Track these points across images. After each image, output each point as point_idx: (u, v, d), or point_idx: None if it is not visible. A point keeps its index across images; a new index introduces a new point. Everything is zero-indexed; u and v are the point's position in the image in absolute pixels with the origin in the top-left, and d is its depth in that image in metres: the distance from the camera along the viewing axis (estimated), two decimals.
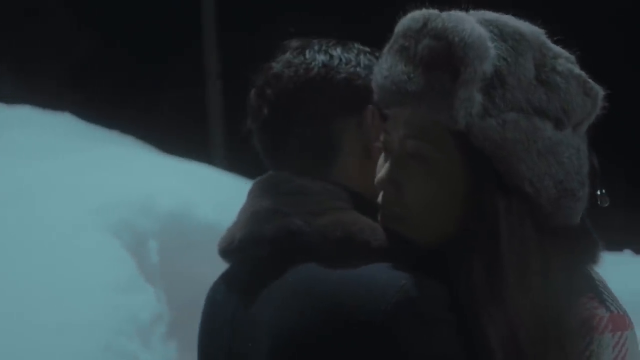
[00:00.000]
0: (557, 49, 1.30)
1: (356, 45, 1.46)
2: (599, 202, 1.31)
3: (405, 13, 1.31)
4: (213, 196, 4.65)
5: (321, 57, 1.42)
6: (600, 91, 1.29)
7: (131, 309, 3.66)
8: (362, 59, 1.43)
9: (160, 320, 3.85)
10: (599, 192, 1.31)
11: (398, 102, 1.28)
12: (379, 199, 1.31)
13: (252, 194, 1.39)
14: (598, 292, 1.28)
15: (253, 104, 1.44)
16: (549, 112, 1.24)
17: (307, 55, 1.42)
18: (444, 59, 1.23)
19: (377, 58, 1.42)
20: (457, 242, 1.25)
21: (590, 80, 1.29)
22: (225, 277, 1.43)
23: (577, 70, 1.29)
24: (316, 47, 1.44)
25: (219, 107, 9.04)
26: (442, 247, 1.27)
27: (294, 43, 1.46)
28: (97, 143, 5.17)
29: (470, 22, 1.24)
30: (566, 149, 1.26)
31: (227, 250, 1.38)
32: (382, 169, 1.32)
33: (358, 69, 1.41)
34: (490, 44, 1.24)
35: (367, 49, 1.46)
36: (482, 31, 1.24)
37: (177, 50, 9.14)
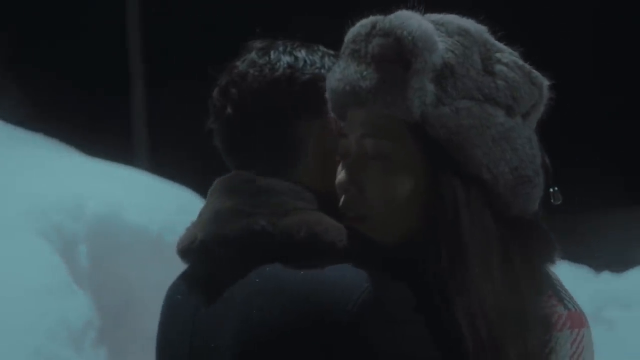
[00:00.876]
0: (500, 44, 1.34)
1: (321, 47, 1.47)
2: (552, 200, 1.35)
3: (353, 24, 1.36)
4: (142, 199, 4.60)
5: (286, 58, 1.42)
6: (545, 81, 1.34)
7: (62, 313, 3.60)
8: (327, 61, 1.44)
9: (91, 325, 3.79)
10: (551, 190, 1.35)
11: (353, 103, 1.30)
12: (340, 201, 1.32)
13: (214, 193, 1.38)
14: (556, 290, 1.31)
15: (216, 103, 1.44)
16: (500, 100, 1.29)
17: (272, 56, 1.43)
18: (394, 53, 1.27)
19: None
20: (421, 235, 1.27)
21: (534, 70, 1.34)
22: (185, 278, 1.42)
23: (521, 61, 1.33)
24: (281, 48, 1.44)
25: (142, 109, 8.96)
26: (406, 244, 1.28)
27: (259, 43, 1.46)
28: (21, 146, 5.07)
29: (416, 19, 1.29)
30: (518, 137, 1.30)
31: (188, 250, 1.37)
32: (341, 172, 1.33)
33: (322, 70, 1.42)
34: (437, 37, 1.28)
35: (332, 52, 1.47)
36: (428, 25, 1.28)
37: (101, 52, 9.03)
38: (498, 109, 1.28)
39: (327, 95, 1.35)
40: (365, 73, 1.28)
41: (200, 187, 4.89)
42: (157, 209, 4.59)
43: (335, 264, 1.25)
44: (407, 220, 1.29)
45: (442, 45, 1.28)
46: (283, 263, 1.27)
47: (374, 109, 1.28)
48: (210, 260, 1.35)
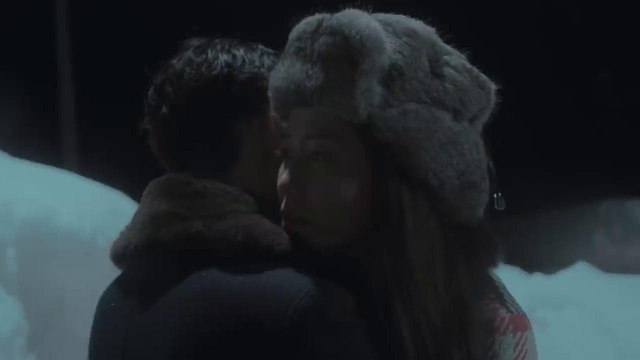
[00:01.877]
0: (448, 47, 1.32)
1: (260, 46, 1.43)
2: (495, 206, 1.33)
3: (297, 22, 1.32)
4: (72, 202, 4.50)
5: (224, 57, 1.38)
6: (493, 85, 1.32)
7: None
8: (266, 60, 1.40)
9: (20, 331, 3.70)
10: (495, 196, 1.33)
11: (298, 102, 1.26)
12: (282, 204, 1.28)
13: (148, 196, 1.33)
14: (498, 293, 1.29)
15: (150, 103, 1.39)
16: (447, 103, 1.26)
17: (210, 54, 1.39)
18: (342, 52, 1.23)
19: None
20: (365, 240, 1.24)
21: (482, 74, 1.31)
22: (118, 284, 1.37)
23: (469, 65, 1.31)
24: (218, 47, 1.40)
25: (71, 110, 8.82)
26: (349, 248, 1.25)
27: (195, 41, 1.42)
28: None
29: (364, 18, 1.26)
30: (465, 142, 1.27)
31: (122, 255, 1.32)
32: (283, 173, 1.30)
33: (262, 69, 1.39)
34: (385, 38, 1.25)
35: (271, 51, 1.43)
36: (377, 25, 1.25)
37: (30, 53, 8.87)
38: (446, 113, 1.26)
39: (270, 94, 1.31)
40: (311, 72, 1.25)
41: (131, 190, 4.82)
42: (88, 212, 4.49)
43: (274, 269, 1.21)
44: (350, 225, 1.25)
45: (390, 46, 1.25)
46: (220, 268, 1.22)
47: (319, 109, 1.25)
48: (144, 266, 1.30)
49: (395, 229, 1.23)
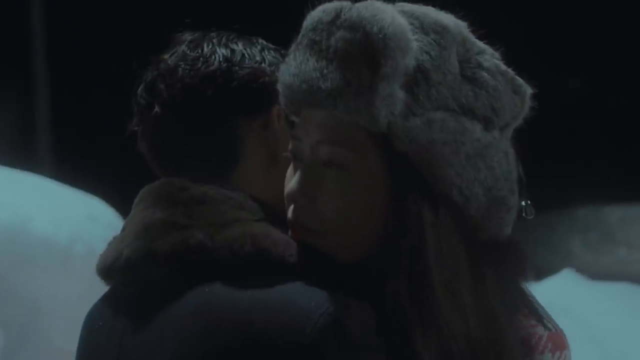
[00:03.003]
0: (481, 44, 1.19)
1: (259, 40, 1.32)
2: (524, 214, 1.22)
3: (313, 7, 1.18)
4: (48, 208, 4.37)
5: (222, 51, 1.27)
6: (529, 90, 1.19)
7: None
8: (267, 55, 1.29)
9: None
10: (523, 203, 1.21)
11: (310, 103, 1.14)
12: (289, 212, 1.17)
13: (141, 204, 1.21)
14: (533, 308, 1.18)
15: (140, 102, 1.28)
16: (478, 111, 1.13)
17: (206, 49, 1.27)
18: (361, 52, 1.10)
19: (283, 56, 1.29)
20: (379, 260, 1.12)
21: (518, 77, 1.19)
22: (108, 300, 1.24)
23: (503, 66, 1.18)
24: (215, 40, 1.29)
25: (47, 115, 8.66)
26: (362, 265, 1.14)
27: (188, 35, 1.31)
28: None
29: (389, 12, 1.12)
30: (495, 153, 1.15)
31: (112, 268, 1.20)
32: (291, 179, 1.18)
33: (263, 65, 1.27)
34: (411, 36, 1.12)
35: (272, 46, 1.32)
36: (402, 21, 1.12)
37: (5, 56, 8.70)
38: (475, 123, 1.13)
39: (280, 89, 1.18)
40: (325, 71, 1.11)
41: (109, 195, 4.69)
42: (64, 218, 4.36)
43: (285, 282, 1.09)
44: (363, 240, 1.13)
45: (416, 44, 1.12)
46: (225, 282, 1.10)
47: (334, 113, 1.12)
48: (138, 280, 1.18)
49: (414, 250, 1.10)
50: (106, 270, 1.22)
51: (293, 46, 1.19)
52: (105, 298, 1.25)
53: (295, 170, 1.17)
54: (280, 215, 1.18)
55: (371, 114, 1.09)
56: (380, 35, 1.09)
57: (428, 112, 1.11)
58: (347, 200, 1.12)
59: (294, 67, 1.15)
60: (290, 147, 1.18)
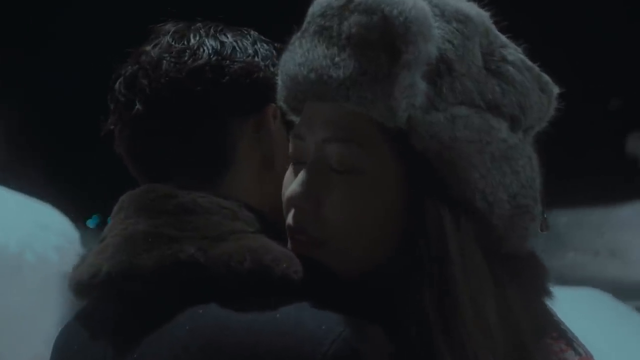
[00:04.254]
0: (504, 38, 1.08)
1: (251, 31, 1.19)
2: (540, 228, 1.10)
3: None
4: None
5: (211, 43, 1.14)
6: (555, 88, 1.08)
7: None
8: (260, 48, 1.16)
9: None
10: (541, 217, 1.09)
11: (318, 95, 1.01)
12: (289, 218, 1.04)
13: (121, 213, 1.08)
14: (562, 331, 1.07)
15: (119, 99, 1.14)
16: (505, 109, 1.02)
17: (193, 40, 1.14)
18: (380, 37, 0.98)
19: (277, 50, 1.17)
20: (393, 275, 1.00)
21: (544, 74, 1.08)
22: (84, 320, 1.10)
23: (529, 62, 1.07)
24: (202, 31, 1.16)
25: None
26: (375, 277, 1.01)
27: (171, 26, 1.18)
28: None
29: None
30: (520, 156, 1.04)
31: (89, 285, 1.06)
32: (292, 182, 1.05)
33: (256, 59, 1.15)
34: (433, 22, 1.00)
35: (264, 38, 1.20)
36: (424, 4, 1.00)
37: None
38: (502, 121, 1.02)
39: (281, 82, 1.06)
40: (337, 59, 0.99)
41: (60, 202, 4.52)
42: (13, 226, 4.19)
43: (291, 303, 0.96)
44: (375, 249, 1.01)
45: (438, 32, 1.00)
46: (221, 303, 0.97)
47: (344, 107, 0.99)
48: (119, 299, 1.05)
49: (436, 259, 0.98)
50: (82, 287, 1.08)
51: (296, 35, 1.06)
52: (80, 317, 1.11)
53: (296, 173, 1.05)
54: (278, 226, 1.06)
55: (389, 106, 0.97)
56: (401, 19, 0.97)
57: (451, 106, 0.99)
58: (357, 205, 1.00)
59: (300, 55, 1.02)
60: (290, 148, 1.06)
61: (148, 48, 1.16)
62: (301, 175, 1.03)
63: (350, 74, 0.98)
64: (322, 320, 0.94)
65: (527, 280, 1.04)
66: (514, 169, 1.02)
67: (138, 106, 1.12)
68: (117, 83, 1.16)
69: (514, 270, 1.03)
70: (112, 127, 1.17)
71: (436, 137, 0.98)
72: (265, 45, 1.18)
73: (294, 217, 1.03)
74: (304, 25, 1.05)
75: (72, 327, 1.12)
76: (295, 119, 1.10)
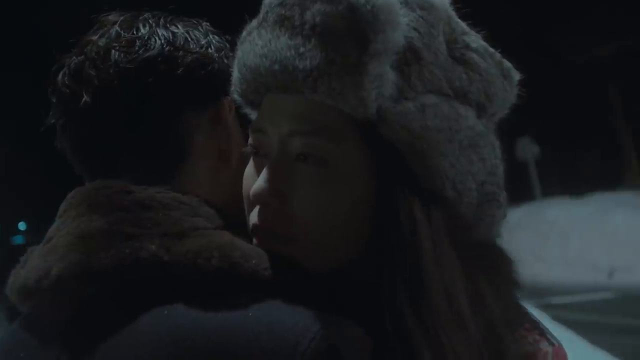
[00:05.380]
0: (464, 25, 1.07)
1: (201, 22, 1.15)
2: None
3: None
4: None
5: (162, 32, 1.09)
6: (517, 75, 1.08)
7: None
8: (213, 39, 1.12)
9: None
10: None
11: (282, 87, 0.97)
12: (254, 216, 1.00)
13: (72, 210, 1.01)
14: (533, 322, 1.06)
15: (63, 90, 1.08)
16: (471, 96, 1.01)
17: (143, 30, 1.09)
18: (347, 26, 0.95)
19: (228, 42, 1.13)
20: (367, 266, 0.97)
21: (506, 60, 1.07)
22: (30, 326, 1.03)
23: (490, 48, 1.06)
24: (151, 21, 1.11)
25: None
26: (347, 272, 0.98)
27: (117, 16, 1.12)
28: None
29: None
30: (485, 144, 1.03)
31: (35, 288, 0.99)
32: (253, 177, 1.01)
33: (210, 50, 1.10)
34: (399, 9, 0.98)
35: (214, 29, 1.15)
36: None
37: None
38: (469, 109, 1.00)
39: (239, 75, 1.02)
40: (302, 49, 0.95)
41: None
42: None
43: (262, 301, 0.91)
44: (345, 243, 0.98)
45: (403, 19, 0.98)
46: (188, 303, 0.92)
47: (310, 98, 0.96)
48: (73, 302, 0.98)
49: (409, 252, 0.96)
50: (26, 291, 1.01)
51: (252, 25, 1.03)
52: (25, 324, 1.04)
53: (257, 168, 1.01)
54: (237, 221, 1.02)
55: (359, 96, 0.95)
56: (368, 7, 0.95)
57: (420, 95, 0.97)
58: (325, 199, 0.97)
59: (261, 46, 0.98)
60: (250, 140, 1.02)
61: (94, 38, 1.10)
62: (265, 170, 0.99)
63: (318, 64, 0.95)
64: (297, 319, 0.89)
65: (495, 271, 1.03)
66: (480, 156, 1.01)
67: (86, 98, 1.06)
68: (61, 74, 1.09)
69: (483, 261, 1.02)
70: (53, 121, 1.11)
71: (407, 127, 0.96)
72: (216, 36, 1.14)
73: (260, 214, 0.99)
74: (261, 15, 1.02)
75: (15, 334, 1.04)
76: (250, 112, 1.06)
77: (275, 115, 0.99)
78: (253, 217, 1.00)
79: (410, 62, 0.97)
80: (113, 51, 1.07)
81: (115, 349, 0.93)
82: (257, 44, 0.99)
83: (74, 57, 1.09)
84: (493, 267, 1.03)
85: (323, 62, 0.95)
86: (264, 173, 0.99)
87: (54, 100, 1.10)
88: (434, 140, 0.97)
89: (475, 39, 1.05)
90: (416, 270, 0.95)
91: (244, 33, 1.04)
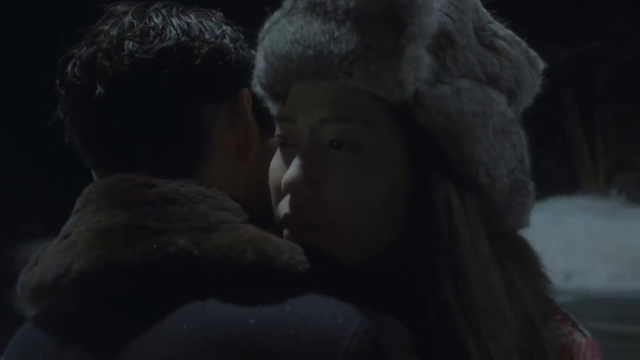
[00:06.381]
0: (489, 14, 1.06)
1: (214, 12, 1.11)
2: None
3: None
4: None
5: (177, 22, 1.06)
6: (542, 64, 1.07)
7: None
8: (228, 30, 1.09)
9: None
10: None
11: (315, 72, 0.96)
12: (286, 206, 0.97)
13: (91, 205, 0.97)
14: (564, 313, 1.05)
15: (73, 82, 1.04)
16: (503, 82, 1.01)
17: (156, 19, 1.06)
18: (383, 10, 0.94)
19: (241, 33, 1.10)
20: (402, 257, 0.95)
21: (531, 50, 1.07)
22: (47, 325, 0.99)
23: (517, 37, 1.06)
24: (164, 11, 1.07)
25: None
26: (377, 264, 0.96)
27: (126, 6, 1.08)
28: None
29: None
30: (515, 131, 1.02)
31: (54, 287, 0.95)
32: (280, 167, 0.99)
33: (225, 40, 1.07)
34: None
35: (226, 19, 1.12)
36: None
37: None
38: (500, 95, 1.00)
39: (266, 64, 1.00)
40: (337, 34, 0.94)
41: None
42: None
43: (299, 296, 0.88)
44: (379, 232, 0.96)
45: (436, 4, 0.98)
46: (221, 298, 0.88)
47: (343, 84, 0.94)
48: (96, 300, 0.94)
49: (447, 239, 0.94)
50: (41, 289, 0.97)
51: (278, 13, 1.01)
52: (39, 323, 1.00)
53: (286, 159, 0.99)
54: (262, 216, 0.99)
55: (396, 79, 0.93)
56: None
57: (455, 79, 0.97)
58: (359, 186, 0.95)
59: (292, 33, 0.97)
60: (278, 131, 1.00)
61: (105, 28, 1.06)
62: (297, 159, 0.97)
63: (354, 48, 0.93)
64: (337, 313, 0.86)
65: (524, 261, 1.03)
66: (512, 142, 1.01)
67: (100, 89, 1.02)
68: (70, 66, 1.05)
69: (513, 251, 1.02)
70: (63, 114, 1.07)
71: (444, 110, 0.95)
72: (229, 27, 1.10)
73: (292, 203, 0.96)
74: (287, 4, 1.00)
75: (31, 333, 1.00)
76: (272, 105, 1.04)
77: (305, 103, 0.97)
78: (283, 208, 0.97)
79: (444, 46, 0.97)
80: (127, 41, 1.03)
81: (144, 348, 0.89)
82: (288, 31, 0.97)
83: (85, 48, 1.05)
84: (522, 258, 1.02)
85: (359, 46, 0.93)
86: (296, 162, 0.97)
87: (63, 93, 1.06)
88: (469, 124, 0.96)
89: (501, 28, 1.05)
90: (455, 257, 0.94)
91: (268, 24, 1.02)
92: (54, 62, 1.11)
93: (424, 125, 0.95)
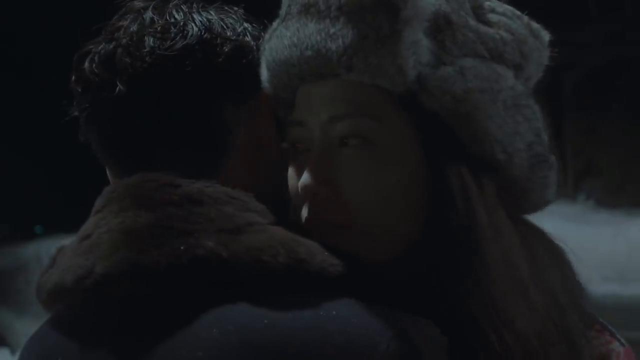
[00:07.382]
0: None
1: (235, 8, 1.09)
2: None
3: None
4: None
5: (198, 18, 1.03)
6: (547, 35, 1.06)
7: None
8: (248, 27, 1.07)
9: None
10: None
11: (316, 73, 0.95)
12: (306, 210, 0.95)
13: (112, 205, 0.95)
14: (602, 322, 1.04)
15: (93, 79, 1.01)
16: (507, 56, 1.00)
17: (177, 15, 1.03)
18: None
19: (262, 30, 1.08)
20: (427, 255, 0.94)
21: (534, 22, 1.06)
22: (65, 328, 0.96)
23: (516, 11, 1.05)
24: (184, 7, 1.05)
25: None
26: (407, 258, 0.95)
27: (143, 1, 1.06)
28: None
29: None
30: (527, 105, 1.01)
31: (74, 289, 0.92)
32: (298, 174, 0.97)
33: (247, 38, 1.05)
34: None
35: (247, 16, 1.10)
36: None
37: None
38: (506, 69, 0.99)
39: (268, 71, 0.99)
40: (333, 30, 0.94)
41: None
42: None
43: (331, 300, 0.86)
44: (402, 224, 0.95)
45: None
46: (253, 302, 0.86)
47: (346, 81, 0.94)
48: (119, 302, 0.92)
49: (464, 222, 0.93)
50: (59, 291, 0.94)
51: (275, 23, 1.01)
52: (58, 326, 0.97)
53: (300, 165, 0.98)
54: (287, 217, 0.97)
55: (397, 65, 0.93)
56: None
57: (457, 59, 0.96)
58: (375, 180, 0.94)
59: (289, 37, 0.97)
60: (290, 136, 0.99)
61: (124, 24, 1.04)
62: (310, 162, 0.96)
63: (351, 42, 0.93)
64: (372, 317, 0.85)
65: (551, 244, 1.03)
66: (526, 116, 1.00)
67: (120, 87, 0.99)
68: (87, 62, 1.03)
69: (539, 234, 1.02)
70: (80, 111, 1.04)
71: (449, 91, 0.95)
72: (251, 24, 1.08)
73: (311, 205, 0.95)
74: (283, 11, 1.00)
75: (48, 337, 0.97)
76: (282, 113, 1.03)
77: (312, 105, 0.96)
78: (305, 213, 0.96)
79: (442, 27, 0.96)
80: (148, 37, 1.01)
81: (172, 352, 0.87)
82: (285, 36, 0.97)
83: (103, 44, 1.03)
84: (549, 241, 1.03)
85: (356, 39, 0.93)
86: (310, 165, 0.96)
87: (79, 90, 1.04)
88: (478, 101, 0.95)
89: (499, 4, 1.04)
90: (473, 239, 0.93)
91: (268, 33, 1.02)
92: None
93: (431, 109, 0.94)
